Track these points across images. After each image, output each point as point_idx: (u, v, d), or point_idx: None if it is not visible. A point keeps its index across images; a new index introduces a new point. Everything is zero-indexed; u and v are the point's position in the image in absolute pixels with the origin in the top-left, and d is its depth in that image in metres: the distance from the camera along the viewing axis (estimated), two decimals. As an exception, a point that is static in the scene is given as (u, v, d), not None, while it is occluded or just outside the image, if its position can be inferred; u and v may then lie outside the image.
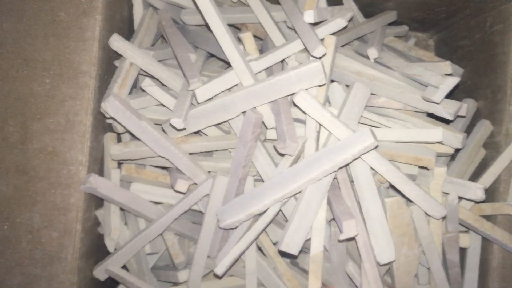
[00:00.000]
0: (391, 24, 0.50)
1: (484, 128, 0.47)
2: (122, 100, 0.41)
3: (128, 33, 0.50)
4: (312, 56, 0.40)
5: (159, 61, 0.46)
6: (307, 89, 0.39)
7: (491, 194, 0.45)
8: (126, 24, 0.49)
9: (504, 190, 0.44)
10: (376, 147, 0.38)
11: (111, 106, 0.40)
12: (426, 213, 0.41)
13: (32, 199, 0.41)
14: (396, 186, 0.40)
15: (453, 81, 0.40)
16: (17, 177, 0.41)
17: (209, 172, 0.44)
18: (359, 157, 0.38)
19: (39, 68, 0.42)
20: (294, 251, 0.39)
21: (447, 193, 0.42)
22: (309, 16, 0.41)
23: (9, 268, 0.41)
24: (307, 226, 0.39)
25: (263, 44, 0.47)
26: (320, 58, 0.40)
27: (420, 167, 0.43)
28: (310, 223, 0.39)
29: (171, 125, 0.41)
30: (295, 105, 0.40)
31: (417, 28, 0.57)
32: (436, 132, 0.41)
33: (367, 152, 0.38)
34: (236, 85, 0.42)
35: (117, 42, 0.43)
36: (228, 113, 0.42)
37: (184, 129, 0.42)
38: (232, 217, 0.40)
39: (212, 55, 0.49)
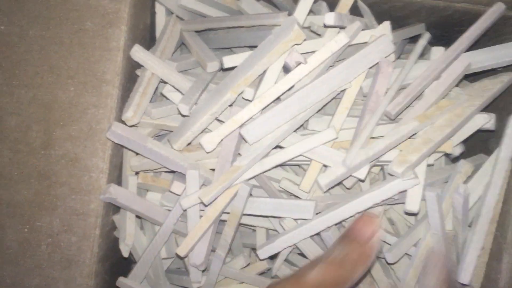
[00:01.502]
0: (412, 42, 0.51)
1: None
2: (124, 127, 0.42)
3: (150, 40, 0.50)
4: None
5: (182, 71, 0.46)
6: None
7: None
8: (148, 31, 0.49)
9: None
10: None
11: (114, 136, 0.41)
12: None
13: (53, 204, 0.42)
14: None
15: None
16: (39, 182, 0.42)
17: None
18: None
19: (64, 76, 0.42)
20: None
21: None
22: (330, 19, 0.41)
23: (28, 270, 0.42)
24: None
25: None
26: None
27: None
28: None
29: (178, 109, 0.43)
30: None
31: (433, 43, 0.58)
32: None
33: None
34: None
35: (138, 53, 0.44)
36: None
37: (188, 116, 0.43)
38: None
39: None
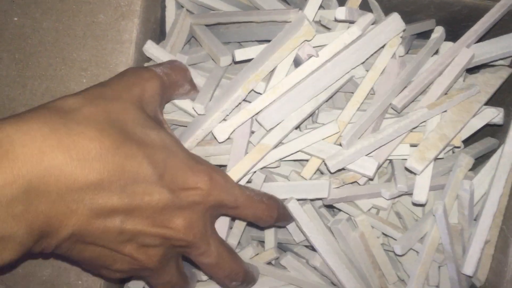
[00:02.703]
0: (419, 38, 0.52)
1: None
2: None
3: (160, 33, 0.51)
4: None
5: (193, 64, 0.47)
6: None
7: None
8: (158, 25, 0.50)
9: None
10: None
11: None
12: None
13: (65, 194, 0.43)
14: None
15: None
16: (51, 173, 0.43)
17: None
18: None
19: (77, 68, 0.43)
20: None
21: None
22: (341, 13, 0.42)
23: (40, 260, 0.43)
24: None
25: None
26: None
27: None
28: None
29: (193, 109, 0.43)
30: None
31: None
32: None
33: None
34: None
35: (151, 50, 0.44)
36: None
37: (204, 114, 0.43)
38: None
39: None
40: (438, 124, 0.42)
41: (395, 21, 0.42)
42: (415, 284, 0.43)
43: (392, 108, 0.43)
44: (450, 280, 0.46)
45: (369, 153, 0.42)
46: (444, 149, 0.42)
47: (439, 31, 0.46)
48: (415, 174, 0.42)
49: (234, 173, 0.41)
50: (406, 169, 0.42)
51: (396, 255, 0.44)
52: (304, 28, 0.40)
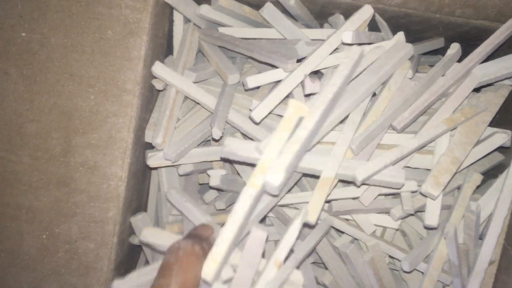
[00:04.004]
0: (427, 53, 0.52)
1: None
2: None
3: (167, 46, 0.50)
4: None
5: (201, 81, 0.47)
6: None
7: None
8: (165, 39, 0.50)
9: None
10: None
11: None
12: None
13: (72, 210, 0.43)
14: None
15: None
16: (58, 189, 0.43)
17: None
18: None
19: (85, 84, 0.43)
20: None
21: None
22: (348, 37, 0.42)
23: (46, 276, 0.43)
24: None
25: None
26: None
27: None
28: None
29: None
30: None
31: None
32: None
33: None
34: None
35: (158, 71, 0.44)
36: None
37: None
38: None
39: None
40: (448, 147, 0.43)
41: (404, 50, 0.43)
42: None
43: (392, 128, 0.43)
44: None
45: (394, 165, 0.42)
46: (456, 171, 0.42)
47: (455, 48, 0.46)
48: (426, 196, 0.42)
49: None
50: (421, 193, 0.42)
51: (404, 271, 0.45)
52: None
